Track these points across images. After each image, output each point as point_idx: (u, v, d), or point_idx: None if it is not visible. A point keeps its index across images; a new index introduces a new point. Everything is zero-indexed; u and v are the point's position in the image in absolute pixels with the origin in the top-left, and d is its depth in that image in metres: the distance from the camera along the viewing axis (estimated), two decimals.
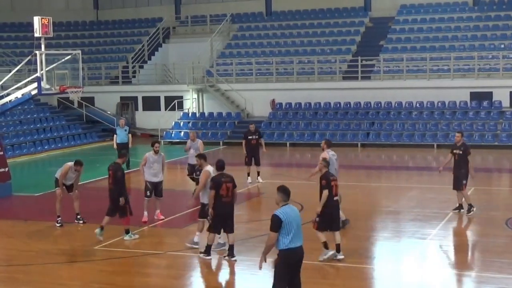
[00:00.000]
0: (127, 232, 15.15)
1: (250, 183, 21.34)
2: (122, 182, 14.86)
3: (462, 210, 16.86)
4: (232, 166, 25.61)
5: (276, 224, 9.54)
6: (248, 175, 21.67)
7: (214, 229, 13.32)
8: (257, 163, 21.80)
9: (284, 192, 9.80)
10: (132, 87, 37.93)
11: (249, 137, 21.74)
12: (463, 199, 16.82)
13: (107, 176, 15.07)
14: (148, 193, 16.66)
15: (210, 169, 13.85)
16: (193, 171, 18.34)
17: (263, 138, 22.43)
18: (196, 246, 14.00)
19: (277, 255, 9.70)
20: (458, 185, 16.70)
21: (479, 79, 32.03)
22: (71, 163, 16.54)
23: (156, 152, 16.68)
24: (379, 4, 39.05)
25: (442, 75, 33.16)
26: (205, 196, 13.69)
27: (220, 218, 13.19)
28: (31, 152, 30.35)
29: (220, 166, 13.43)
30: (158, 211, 16.98)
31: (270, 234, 9.56)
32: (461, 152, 16.64)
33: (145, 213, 16.66)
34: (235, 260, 13.31)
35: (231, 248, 13.39)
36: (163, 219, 16.83)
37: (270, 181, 21.90)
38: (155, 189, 16.69)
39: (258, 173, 21.72)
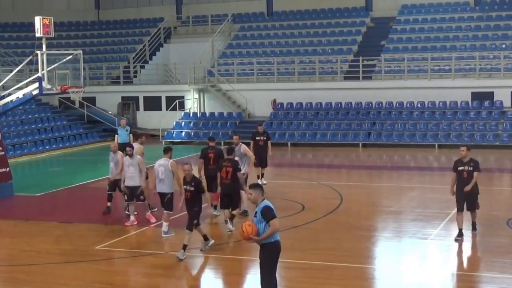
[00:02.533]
0: (215, 207, 16.91)
1: None
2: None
3: (475, 231, 15.23)
4: None
5: (273, 211, 9.80)
6: (258, 177, 21.06)
7: (221, 206, 15.79)
8: (263, 165, 21.44)
9: (260, 187, 10.13)
10: (133, 87, 37.93)
11: (257, 138, 21.54)
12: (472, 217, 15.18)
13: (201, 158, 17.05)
14: (126, 197, 16.40)
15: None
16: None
17: (270, 140, 22.10)
18: (169, 235, 15.09)
19: (265, 249, 9.84)
20: (473, 206, 14.93)
21: (480, 79, 32.01)
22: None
23: (130, 156, 16.10)
24: (380, 4, 39.03)
25: (443, 75, 33.13)
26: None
27: (223, 196, 15.59)
28: (32, 152, 30.35)
29: (227, 151, 16.06)
30: (148, 212, 16.73)
31: (273, 221, 9.71)
32: (471, 169, 14.82)
33: (131, 217, 16.40)
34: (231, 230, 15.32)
35: (232, 217, 15.61)
36: (154, 222, 16.36)
37: (273, 181, 21.89)
38: (131, 193, 16.15)
39: (262, 175, 21.53)
